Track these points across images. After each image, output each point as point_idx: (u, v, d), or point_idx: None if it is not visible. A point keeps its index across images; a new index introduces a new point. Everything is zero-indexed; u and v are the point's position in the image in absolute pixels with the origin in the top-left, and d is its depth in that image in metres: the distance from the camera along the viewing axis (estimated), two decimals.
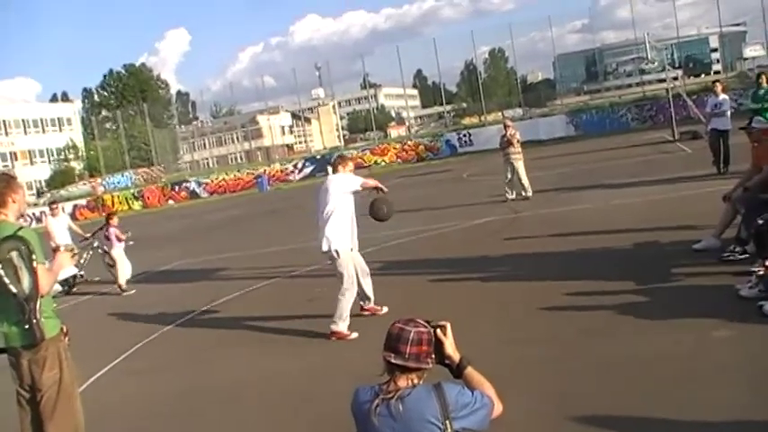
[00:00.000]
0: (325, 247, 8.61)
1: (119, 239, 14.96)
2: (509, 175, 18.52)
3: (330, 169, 9.24)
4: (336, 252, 8.51)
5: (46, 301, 5.02)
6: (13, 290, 4.77)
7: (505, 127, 19.34)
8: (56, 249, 15.06)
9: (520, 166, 18.29)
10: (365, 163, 49.46)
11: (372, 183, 8.81)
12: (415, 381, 3.18)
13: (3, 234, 4.84)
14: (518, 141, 18.61)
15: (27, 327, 4.82)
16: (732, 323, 6.56)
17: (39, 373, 4.98)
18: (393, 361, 3.15)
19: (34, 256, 4.83)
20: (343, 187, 8.58)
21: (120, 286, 14.77)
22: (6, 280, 4.75)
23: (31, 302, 4.81)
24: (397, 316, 3.32)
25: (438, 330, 3.34)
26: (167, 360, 9.11)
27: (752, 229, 7.85)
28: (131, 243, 15.44)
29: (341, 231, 8.57)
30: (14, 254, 4.78)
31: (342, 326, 8.44)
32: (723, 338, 6.33)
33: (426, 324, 3.27)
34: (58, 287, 14.41)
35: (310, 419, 6.18)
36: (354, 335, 8.34)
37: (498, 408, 3.28)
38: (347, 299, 8.53)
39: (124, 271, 14.93)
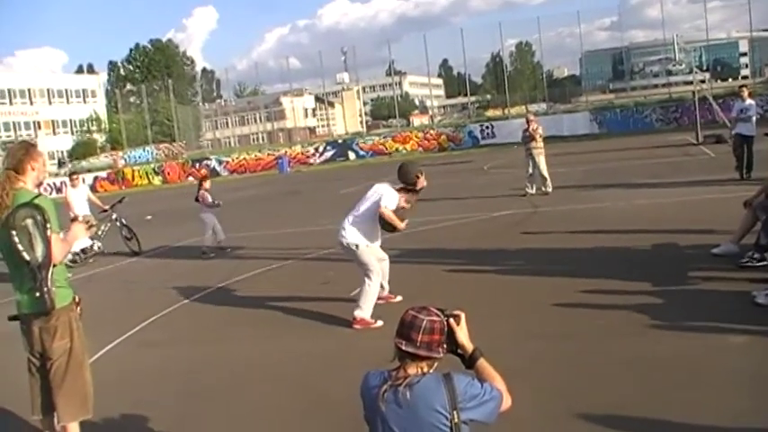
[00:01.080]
0: (342, 241, 8.57)
1: (204, 203, 15.14)
2: (530, 170, 18.49)
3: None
4: (356, 246, 8.46)
5: (59, 270, 5.03)
6: (27, 257, 4.77)
7: (528, 122, 19.25)
8: (74, 220, 15.14)
9: (541, 160, 18.24)
10: (386, 150, 49.44)
11: (398, 222, 8.49)
12: (425, 369, 3.16)
13: (19, 201, 4.84)
14: (540, 136, 18.56)
15: (38, 294, 4.83)
16: (746, 330, 6.52)
17: (49, 342, 5.00)
18: (404, 348, 3.14)
19: (49, 225, 4.83)
20: (385, 202, 8.39)
21: (223, 245, 15.12)
22: (20, 247, 4.75)
23: (43, 270, 4.82)
24: (411, 304, 3.31)
25: (451, 319, 3.33)
26: (179, 335, 9.17)
27: None
28: (219, 204, 15.52)
29: (363, 230, 8.49)
30: (29, 221, 4.78)
31: (365, 313, 8.38)
32: (737, 344, 6.30)
33: (440, 313, 3.25)
34: (70, 256, 14.52)
35: (319, 402, 6.20)
36: (379, 323, 8.18)
37: (507, 402, 3.26)
38: (371, 287, 8.44)
39: (217, 234, 15.07)
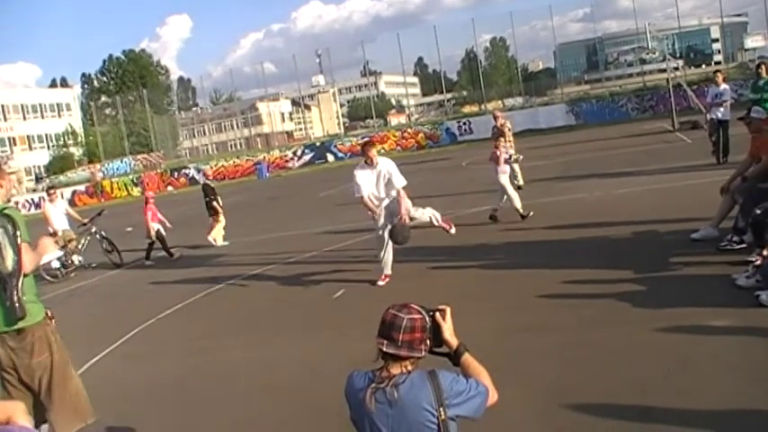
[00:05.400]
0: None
1: (497, 162, 13.97)
2: None
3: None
4: None
5: (29, 284, 5.00)
6: None
7: (495, 117, 19.31)
8: (53, 235, 15.05)
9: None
10: None
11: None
12: (409, 367, 3.14)
13: None
14: (509, 130, 18.59)
15: (8, 304, 4.80)
16: (729, 313, 6.56)
17: (28, 360, 4.95)
18: (385, 349, 3.11)
19: (19, 233, 4.82)
20: None
21: (518, 211, 13.62)
22: None
23: (13, 279, 4.79)
24: (394, 301, 3.27)
25: (437, 314, 3.30)
26: (164, 346, 9.12)
27: (749, 219, 7.84)
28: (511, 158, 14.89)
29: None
30: (0, 231, 4.76)
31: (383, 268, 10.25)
32: (720, 328, 6.32)
33: (421, 310, 3.22)
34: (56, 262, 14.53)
35: (306, 406, 6.20)
36: (380, 283, 10.06)
37: (493, 396, 3.24)
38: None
39: (512, 198, 13.84)
